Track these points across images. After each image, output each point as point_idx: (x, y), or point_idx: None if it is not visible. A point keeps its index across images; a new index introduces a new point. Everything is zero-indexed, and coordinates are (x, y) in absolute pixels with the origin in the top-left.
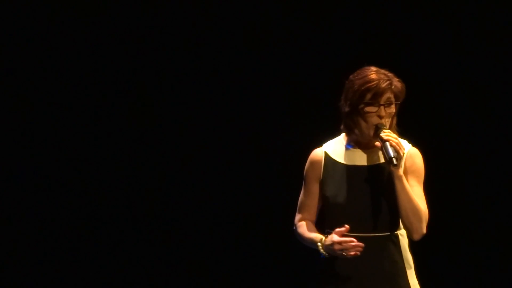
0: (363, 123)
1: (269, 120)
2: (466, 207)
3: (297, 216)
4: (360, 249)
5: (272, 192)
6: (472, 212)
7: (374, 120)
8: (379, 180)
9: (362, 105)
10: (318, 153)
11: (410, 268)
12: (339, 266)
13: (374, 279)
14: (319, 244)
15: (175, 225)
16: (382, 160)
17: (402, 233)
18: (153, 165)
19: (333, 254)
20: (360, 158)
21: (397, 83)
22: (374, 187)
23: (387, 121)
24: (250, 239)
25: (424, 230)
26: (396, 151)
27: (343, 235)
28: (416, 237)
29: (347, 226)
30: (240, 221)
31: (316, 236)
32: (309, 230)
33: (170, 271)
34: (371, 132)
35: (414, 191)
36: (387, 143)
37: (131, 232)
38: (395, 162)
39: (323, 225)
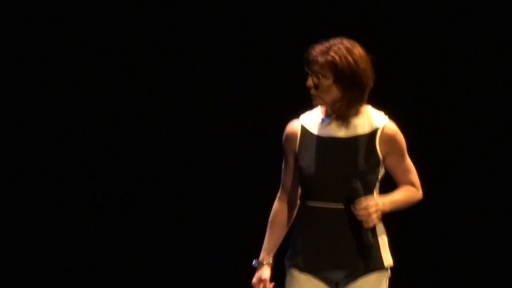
0: None
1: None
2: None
3: (279, 192)
4: None
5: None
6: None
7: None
8: (353, 151)
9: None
10: (294, 126)
11: (383, 241)
12: (310, 235)
13: (345, 251)
14: (254, 261)
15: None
16: (357, 132)
17: None
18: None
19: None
20: (335, 129)
21: (327, 57)
22: (348, 158)
23: (321, 94)
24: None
25: (421, 198)
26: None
27: None
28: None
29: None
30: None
31: (262, 248)
32: (272, 228)
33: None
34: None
35: (401, 167)
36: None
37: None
38: None
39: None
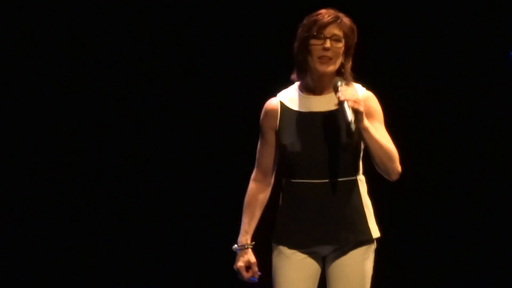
0: (310, 58)
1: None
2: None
3: (254, 170)
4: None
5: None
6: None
7: (319, 52)
8: (336, 125)
9: (308, 38)
10: (273, 103)
11: (370, 212)
12: (298, 212)
13: (334, 225)
14: (235, 245)
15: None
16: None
17: (361, 179)
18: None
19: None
20: (315, 105)
21: (346, 20)
22: (331, 133)
23: (334, 58)
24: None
25: (400, 169)
26: (355, 111)
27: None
28: (394, 177)
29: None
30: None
31: (242, 231)
32: (250, 210)
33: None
34: (318, 67)
35: (379, 133)
36: (345, 105)
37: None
38: (352, 128)
39: (281, 174)
